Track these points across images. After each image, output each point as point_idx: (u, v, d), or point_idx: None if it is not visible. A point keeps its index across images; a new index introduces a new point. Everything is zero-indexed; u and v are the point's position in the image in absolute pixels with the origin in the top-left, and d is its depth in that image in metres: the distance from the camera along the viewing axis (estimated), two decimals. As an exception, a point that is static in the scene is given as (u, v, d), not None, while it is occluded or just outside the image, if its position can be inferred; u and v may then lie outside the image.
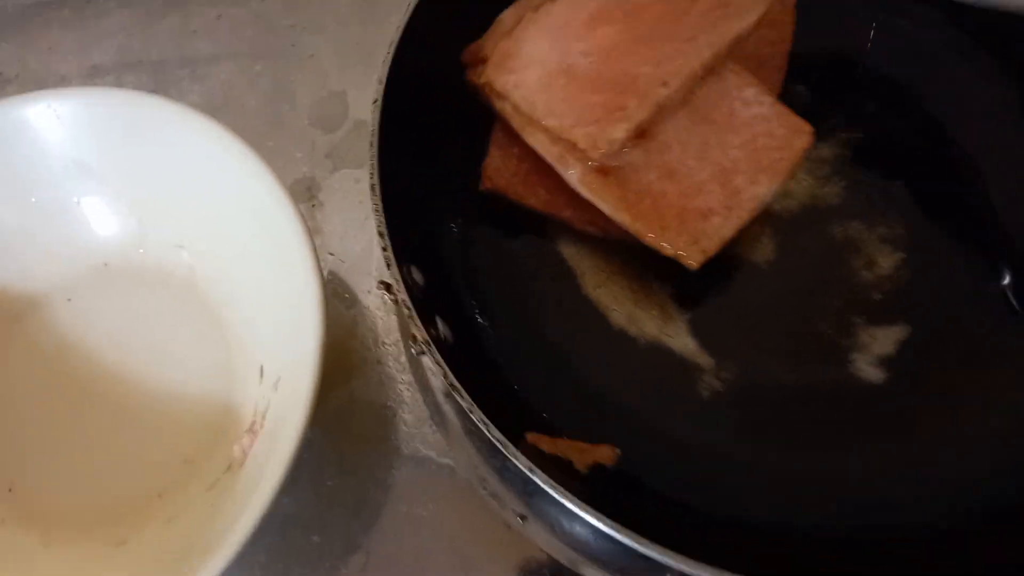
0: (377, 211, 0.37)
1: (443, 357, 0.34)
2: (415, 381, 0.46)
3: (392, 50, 0.40)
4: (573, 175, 0.40)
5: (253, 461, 0.40)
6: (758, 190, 0.40)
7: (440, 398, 0.45)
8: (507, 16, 0.45)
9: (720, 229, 0.39)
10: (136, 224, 0.47)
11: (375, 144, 0.38)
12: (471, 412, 0.33)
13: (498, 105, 0.43)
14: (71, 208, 0.46)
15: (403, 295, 0.35)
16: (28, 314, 0.46)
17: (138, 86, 0.55)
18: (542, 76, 0.41)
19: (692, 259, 0.39)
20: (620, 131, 0.39)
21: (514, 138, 0.43)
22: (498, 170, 0.44)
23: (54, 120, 0.44)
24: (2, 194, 0.45)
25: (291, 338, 0.40)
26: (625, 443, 0.38)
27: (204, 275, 0.46)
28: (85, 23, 0.58)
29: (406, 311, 0.35)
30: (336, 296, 0.48)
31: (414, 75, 0.42)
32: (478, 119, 0.45)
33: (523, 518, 0.41)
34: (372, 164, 0.37)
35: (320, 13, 0.57)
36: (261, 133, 0.53)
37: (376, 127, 0.38)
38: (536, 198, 0.43)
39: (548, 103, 0.40)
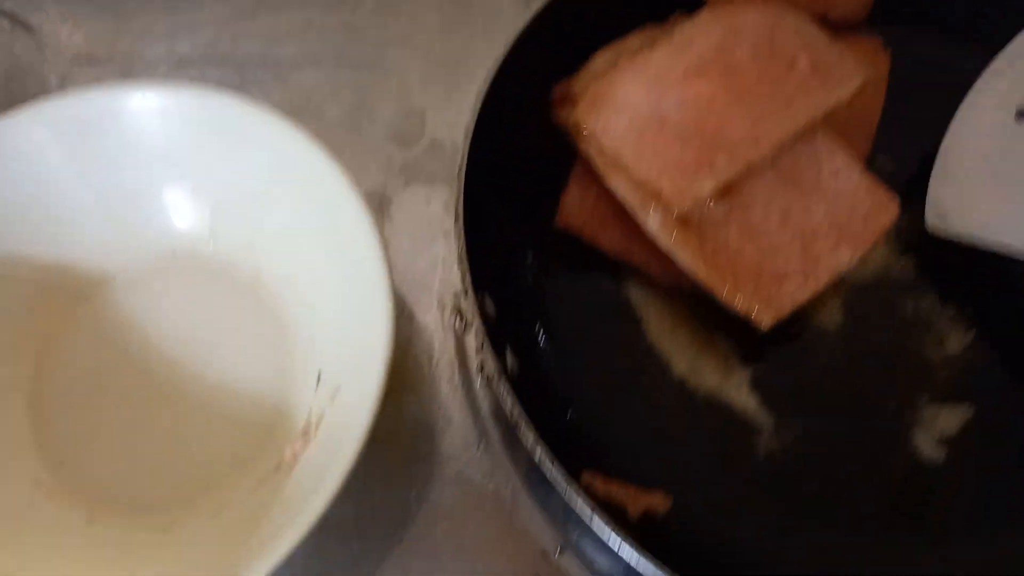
0: (459, 238, 0.37)
1: (512, 389, 0.34)
2: (465, 403, 0.46)
3: (487, 83, 0.41)
4: (652, 223, 0.40)
5: (304, 466, 0.41)
6: (838, 260, 0.40)
7: (488, 423, 0.45)
8: (601, 58, 0.46)
9: (794, 294, 0.39)
10: (210, 218, 0.48)
11: (462, 172, 0.38)
12: (535, 448, 0.33)
13: (583, 146, 0.43)
14: (151, 196, 0.47)
15: (478, 324, 0.35)
16: (95, 293, 0.47)
17: (222, 82, 0.56)
18: (633, 123, 0.41)
19: (763, 319, 0.39)
20: (707, 187, 0.39)
21: (594, 178, 0.43)
22: (575, 208, 0.44)
23: (146, 109, 0.45)
24: (85, 176, 0.46)
25: (354, 351, 0.40)
26: (676, 492, 0.38)
27: (271, 276, 0.47)
28: (178, 13, 0.59)
29: (479, 341, 0.35)
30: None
31: (504, 107, 0.42)
32: (560, 154, 0.46)
33: (561, 551, 0.41)
34: (458, 192, 0.38)
35: (409, 26, 0.58)
36: (338, 142, 0.52)
37: (464, 155, 0.39)
38: (610, 240, 0.44)
39: (636, 150, 0.40)
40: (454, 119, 0.54)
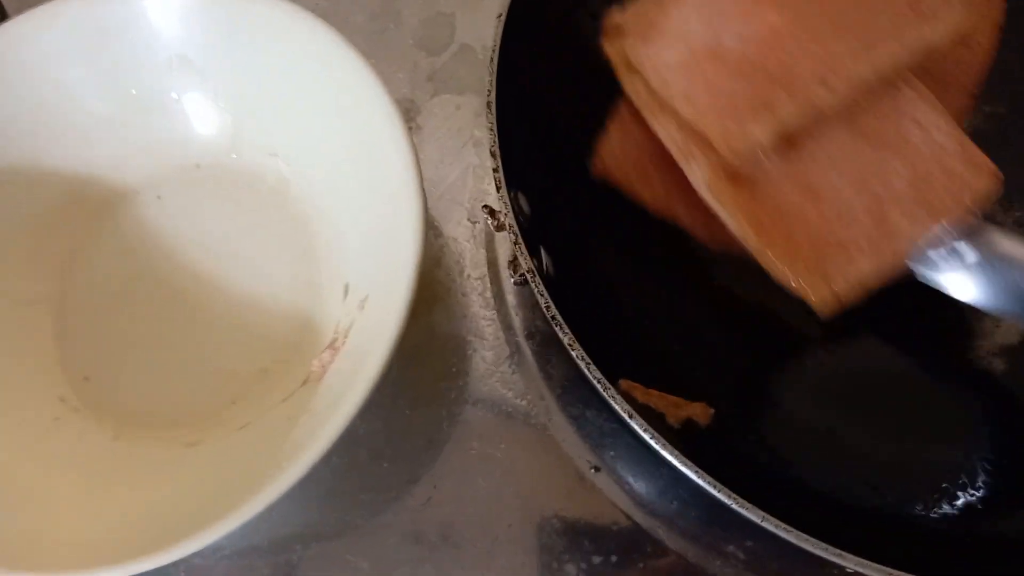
0: (491, 130, 0.35)
1: (546, 288, 0.32)
2: (498, 318, 0.44)
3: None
4: (698, 174, 0.34)
5: (331, 377, 0.40)
6: (914, 232, 0.33)
7: (521, 338, 0.43)
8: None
9: (863, 273, 0.34)
10: (232, 127, 0.46)
11: (495, 60, 0.36)
12: (571, 347, 0.31)
13: (627, 81, 0.37)
14: (169, 104, 0.45)
15: (510, 219, 0.33)
16: (118, 207, 0.46)
17: (243, -9, 0.54)
18: (685, 55, 0.34)
19: (823, 304, 0.34)
20: (761, 129, 0.32)
21: (637, 122, 0.38)
22: (613, 155, 0.40)
23: (164, 11, 0.43)
24: (104, 82, 0.44)
25: (383, 258, 0.39)
26: (719, 404, 0.36)
27: (296, 186, 0.45)
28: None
29: (512, 237, 0.33)
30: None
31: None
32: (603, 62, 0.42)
33: (596, 469, 0.40)
34: (490, 80, 0.35)
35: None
36: (363, 50, 0.50)
37: (497, 43, 0.36)
38: (650, 192, 0.39)
39: (685, 86, 0.34)
40: (484, 22, 0.51)
